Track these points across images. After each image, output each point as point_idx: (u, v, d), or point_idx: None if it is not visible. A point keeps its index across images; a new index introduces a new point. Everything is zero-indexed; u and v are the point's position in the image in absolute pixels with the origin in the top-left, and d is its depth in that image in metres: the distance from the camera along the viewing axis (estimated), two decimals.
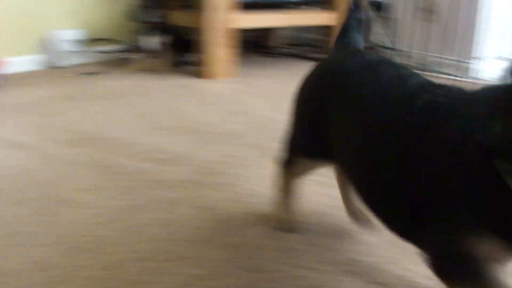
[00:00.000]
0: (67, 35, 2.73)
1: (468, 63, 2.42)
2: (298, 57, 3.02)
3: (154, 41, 2.54)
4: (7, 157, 1.37)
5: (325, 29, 2.82)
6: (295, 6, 2.84)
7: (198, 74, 2.47)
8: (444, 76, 2.40)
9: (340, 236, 0.95)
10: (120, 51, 2.95)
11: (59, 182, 1.20)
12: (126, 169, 1.28)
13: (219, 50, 2.34)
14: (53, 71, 2.65)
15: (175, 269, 0.85)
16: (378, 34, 2.82)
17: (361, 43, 0.92)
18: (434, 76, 2.41)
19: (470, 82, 2.29)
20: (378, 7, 2.93)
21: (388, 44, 2.77)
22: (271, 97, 2.02)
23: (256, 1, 2.61)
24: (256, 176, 1.23)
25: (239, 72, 2.53)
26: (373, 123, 0.69)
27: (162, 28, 2.52)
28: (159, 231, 0.97)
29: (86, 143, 1.48)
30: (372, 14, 2.90)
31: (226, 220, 1.01)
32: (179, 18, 2.62)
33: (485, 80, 2.31)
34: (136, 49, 2.87)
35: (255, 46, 3.37)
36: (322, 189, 1.14)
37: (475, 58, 2.39)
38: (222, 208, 1.06)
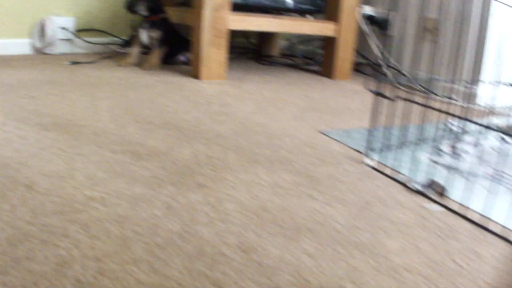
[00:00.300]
0: (59, 22, 2.64)
1: (472, 88, 2.33)
2: (294, 67, 2.96)
3: (147, 36, 2.46)
4: None
5: (324, 41, 2.75)
6: (295, 13, 2.78)
7: (189, 73, 2.38)
8: (448, 101, 2.34)
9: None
10: (112, 43, 2.86)
11: (22, 165, 1.10)
12: (96, 158, 1.19)
13: (210, 50, 2.25)
14: (41, 56, 2.56)
15: (134, 274, 0.75)
16: (374, 50, 2.76)
17: None
18: (437, 100, 2.34)
19: (475, 108, 2.23)
20: (371, 21, 2.86)
21: (384, 62, 2.71)
22: (261, 102, 1.94)
23: (253, 3, 2.54)
24: (238, 181, 1.14)
25: (232, 75, 2.45)
26: None
27: (158, 23, 2.44)
28: (124, 230, 0.87)
29: (58, 128, 1.38)
30: (367, 28, 2.85)
31: (197, 225, 0.92)
32: (174, 14, 2.54)
33: (489, 106, 2.25)
34: (128, 42, 2.79)
35: (253, 53, 3.30)
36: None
37: (479, 82, 2.31)
38: (195, 212, 0.97)
